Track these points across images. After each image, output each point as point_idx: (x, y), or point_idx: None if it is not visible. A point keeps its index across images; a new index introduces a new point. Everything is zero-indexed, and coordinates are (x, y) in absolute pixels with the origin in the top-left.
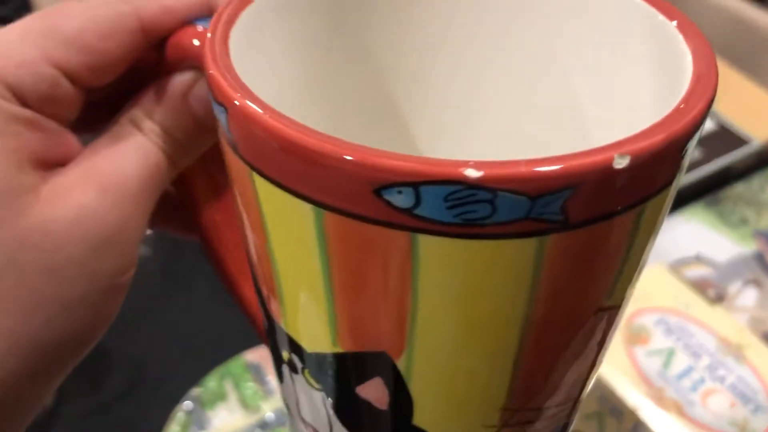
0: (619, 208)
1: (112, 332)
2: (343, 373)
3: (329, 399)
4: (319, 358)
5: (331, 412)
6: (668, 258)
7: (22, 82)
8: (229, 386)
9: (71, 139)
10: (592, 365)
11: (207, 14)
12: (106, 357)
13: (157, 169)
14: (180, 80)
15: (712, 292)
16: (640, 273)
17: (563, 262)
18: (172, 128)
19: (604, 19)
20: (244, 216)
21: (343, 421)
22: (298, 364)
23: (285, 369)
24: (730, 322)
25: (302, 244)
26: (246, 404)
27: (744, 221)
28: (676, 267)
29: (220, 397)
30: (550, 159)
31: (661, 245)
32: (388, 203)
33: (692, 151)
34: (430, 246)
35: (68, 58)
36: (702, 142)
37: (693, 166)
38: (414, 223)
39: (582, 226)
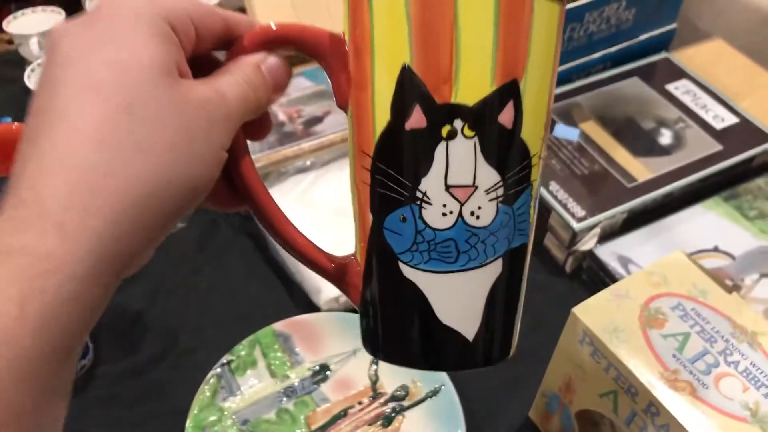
0: None
1: (147, 300)
2: (493, 109)
3: (478, 144)
4: (479, 105)
5: (479, 157)
6: (687, 248)
7: (177, 22)
8: (258, 354)
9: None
10: None
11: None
12: (142, 324)
13: (244, 96)
14: (256, 56)
15: (728, 283)
16: None
17: None
18: (252, 79)
19: None
20: (359, 48)
21: (486, 158)
22: (459, 125)
23: (439, 148)
24: (745, 310)
25: None
26: (274, 372)
27: (762, 215)
28: (695, 257)
29: (250, 364)
30: None
31: (680, 236)
32: None
33: None
34: None
35: (196, 16)
36: (723, 136)
37: (713, 159)
38: None
39: None
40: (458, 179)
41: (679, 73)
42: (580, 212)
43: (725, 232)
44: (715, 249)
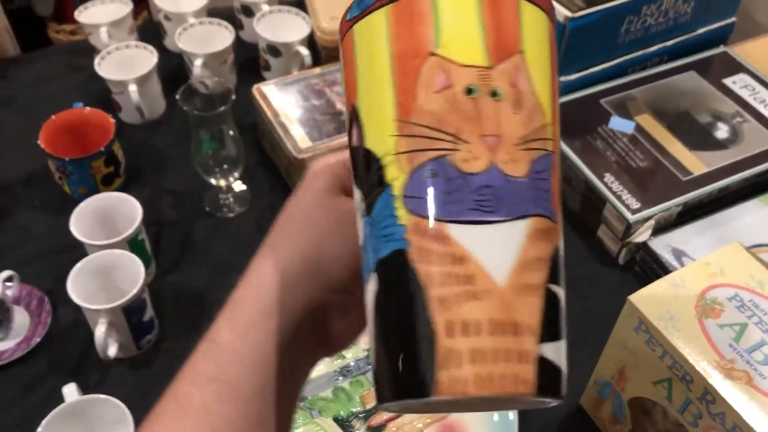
0: None
1: (208, 280)
2: (350, 133)
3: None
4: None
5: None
6: (743, 242)
7: (344, 176)
8: None
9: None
10: None
11: None
12: (203, 303)
13: None
14: None
15: None
16: None
17: None
18: None
19: None
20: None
21: (355, 180)
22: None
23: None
24: None
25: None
26: None
27: None
28: (752, 250)
29: None
30: None
31: (735, 230)
32: None
33: None
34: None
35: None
36: None
37: None
38: None
39: None
40: None
41: (737, 67)
42: (635, 204)
43: None
44: None
